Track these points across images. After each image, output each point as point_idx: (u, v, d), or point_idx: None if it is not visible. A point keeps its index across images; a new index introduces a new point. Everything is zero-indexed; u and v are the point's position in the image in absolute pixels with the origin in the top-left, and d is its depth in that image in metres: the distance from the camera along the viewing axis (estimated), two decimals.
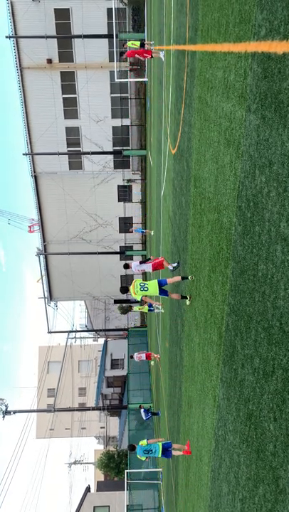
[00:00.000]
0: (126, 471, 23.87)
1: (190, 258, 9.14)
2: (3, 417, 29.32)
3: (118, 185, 36.36)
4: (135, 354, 23.84)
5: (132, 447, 11.04)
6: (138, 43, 19.51)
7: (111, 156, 34.94)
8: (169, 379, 15.09)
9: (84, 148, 34.79)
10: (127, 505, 23.11)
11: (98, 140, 34.72)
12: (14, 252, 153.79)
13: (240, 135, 4.95)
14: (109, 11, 30.19)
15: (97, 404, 43.86)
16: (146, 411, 21.69)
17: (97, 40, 31.31)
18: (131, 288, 10.33)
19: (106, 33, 31.04)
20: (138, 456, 10.85)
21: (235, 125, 5.20)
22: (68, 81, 33.11)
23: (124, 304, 42.77)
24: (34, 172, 35.16)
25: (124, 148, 34.14)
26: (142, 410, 21.57)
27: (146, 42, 20.74)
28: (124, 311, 43.48)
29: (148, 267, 12.00)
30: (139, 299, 10.53)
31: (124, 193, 36.76)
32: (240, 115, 4.93)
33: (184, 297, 9.64)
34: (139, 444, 10.84)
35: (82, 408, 43.60)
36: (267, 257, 4.13)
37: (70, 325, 47.30)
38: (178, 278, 9.86)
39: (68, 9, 31.21)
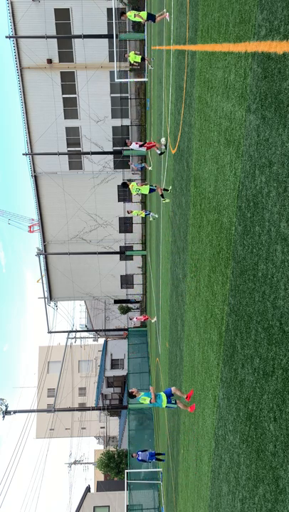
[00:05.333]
0: (126, 471, 23.86)
1: (190, 258, 9.14)
2: (3, 417, 29.30)
3: (118, 185, 36.35)
4: (134, 317, 26.99)
5: (133, 396, 10.11)
6: (144, 14, 19.16)
7: (111, 156, 34.95)
8: (169, 379, 15.09)
9: (84, 149, 34.79)
10: (127, 505, 23.09)
11: (98, 140, 34.72)
12: (14, 252, 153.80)
13: (241, 135, 4.95)
14: (109, 11, 30.19)
15: (97, 404, 43.84)
16: (142, 452, 18.60)
17: (97, 40, 31.31)
18: (130, 187, 17.13)
19: (106, 33, 31.04)
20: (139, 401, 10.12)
21: (235, 125, 5.20)
22: (68, 81, 33.10)
23: (124, 304, 42.76)
24: (34, 172, 35.16)
25: (124, 148, 34.13)
26: (139, 455, 18.59)
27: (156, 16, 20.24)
28: (124, 311, 43.45)
29: (143, 149, 17.35)
30: (135, 194, 17.66)
31: (124, 193, 36.76)
32: (241, 115, 4.93)
33: (165, 189, 14.52)
34: (140, 401, 9.98)
35: (82, 408, 43.59)
36: (267, 257, 4.13)
37: (70, 325, 47.27)
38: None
39: (68, 9, 31.21)
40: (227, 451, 5.78)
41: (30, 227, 45.38)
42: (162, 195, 15.36)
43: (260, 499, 4.32)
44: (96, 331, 46.72)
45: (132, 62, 21.98)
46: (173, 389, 9.79)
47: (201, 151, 7.51)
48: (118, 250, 37.96)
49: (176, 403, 9.73)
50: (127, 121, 34.31)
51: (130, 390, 10.13)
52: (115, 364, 48.78)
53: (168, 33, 13.80)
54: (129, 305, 43.22)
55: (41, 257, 37.92)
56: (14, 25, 30.99)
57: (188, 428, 10.00)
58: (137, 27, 31.48)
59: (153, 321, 24.04)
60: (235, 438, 5.34)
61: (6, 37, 31.01)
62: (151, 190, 16.73)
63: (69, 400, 50.50)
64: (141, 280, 39.98)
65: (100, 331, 45.91)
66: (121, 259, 38.70)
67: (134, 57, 21.72)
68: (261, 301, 4.28)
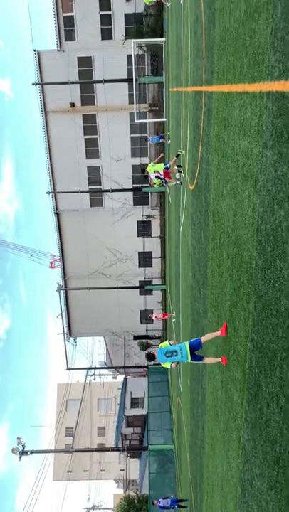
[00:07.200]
0: None
1: (210, 293, 9.05)
2: (20, 457, 28.57)
3: (137, 221, 36.89)
4: (154, 315, 26.54)
5: (151, 356, 8.63)
6: None
7: (130, 193, 35.71)
8: (191, 419, 14.57)
9: (104, 186, 35.71)
10: None
11: (118, 178, 35.66)
12: (35, 288, 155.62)
13: (258, 170, 5.02)
14: (129, 57, 31.80)
15: (117, 444, 42.45)
16: (163, 499, 18.29)
17: (117, 84, 32.84)
18: (147, 169, 17.33)
19: (126, 77, 32.58)
20: (162, 365, 8.41)
21: (252, 161, 5.28)
22: (90, 123, 34.54)
23: (143, 340, 42.19)
24: (57, 210, 36.12)
25: (144, 185, 34.90)
26: (161, 502, 18.15)
27: None
28: (144, 347, 42.80)
29: (161, 170, 16.97)
30: (152, 171, 17.07)
31: (143, 228, 37.20)
32: (257, 151, 5.01)
33: (179, 166, 15.44)
34: (159, 346, 8.42)
35: (101, 449, 42.25)
36: None
37: (89, 361, 46.72)
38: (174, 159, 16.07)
39: (90, 57, 33.06)
40: (254, 497, 5.46)
41: (51, 262, 46.02)
42: (180, 167, 15.56)
43: None
44: (115, 368, 45.99)
45: (148, 3, 19.78)
46: (203, 339, 8.14)
47: (219, 186, 7.60)
48: (138, 285, 37.95)
49: (202, 358, 8.20)
50: (146, 160, 35.23)
51: (151, 352, 8.72)
52: (135, 403, 47.54)
53: (185, 75, 14.39)
54: (150, 341, 42.59)
55: (61, 292, 38.21)
56: (40, 72, 32.94)
57: (212, 472, 9.52)
58: (155, 71, 32.96)
59: (173, 315, 23.35)
60: (262, 483, 5.06)
61: (33, 84, 32.89)
62: (164, 176, 16.81)
63: (87, 439, 49.13)
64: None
65: (120, 367, 45.16)
66: (140, 293, 38.59)
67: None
68: (285, 337, 4.17)
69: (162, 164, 17.04)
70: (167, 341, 8.48)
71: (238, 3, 5.86)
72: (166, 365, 8.35)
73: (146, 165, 18.96)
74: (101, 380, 50.40)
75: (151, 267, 38.17)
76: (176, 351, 8.12)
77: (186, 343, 8.19)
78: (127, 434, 46.12)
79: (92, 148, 35.07)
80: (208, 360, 8.17)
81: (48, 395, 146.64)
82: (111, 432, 49.83)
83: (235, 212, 6.35)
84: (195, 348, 8.14)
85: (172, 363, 8.29)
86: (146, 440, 33.58)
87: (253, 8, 5.10)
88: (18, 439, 28.52)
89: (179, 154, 15.45)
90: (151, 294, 38.69)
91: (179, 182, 16.39)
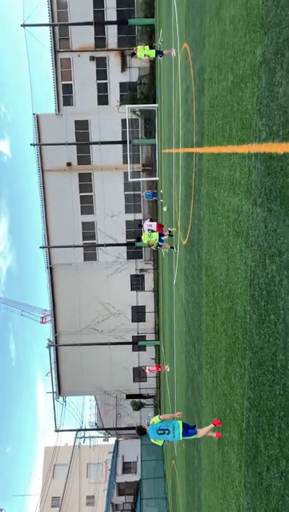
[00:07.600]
0: None
1: (205, 348, 8.88)
2: None
3: (131, 275, 36.98)
4: (147, 367, 26.34)
5: (142, 430, 8.27)
6: (152, 52, 17.90)
7: (124, 248, 36.15)
8: (187, 485, 13.67)
9: (99, 241, 36.20)
10: None
11: (112, 233, 36.28)
12: (25, 344, 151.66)
13: (249, 226, 5.15)
14: (124, 121, 33.69)
15: None
16: None
17: (112, 145, 34.47)
18: (142, 237, 17.74)
19: (120, 139, 34.26)
20: (152, 441, 8.21)
21: (243, 217, 5.44)
22: (85, 181, 35.74)
23: (136, 399, 40.53)
24: (50, 264, 36.23)
25: (138, 238, 35.46)
26: None
27: (155, 44, 18.79)
28: (137, 407, 41.01)
29: (154, 226, 18.19)
30: (146, 241, 17.54)
31: (136, 282, 37.21)
32: (247, 208, 5.18)
33: (172, 247, 17.18)
34: (151, 422, 8.17)
35: None
36: (285, 346, 4.01)
37: (78, 422, 44.45)
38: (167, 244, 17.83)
39: (87, 120, 34.95)
40: None
41: (42, 318, 45.34)
42: (172, 247, 17.28)
43: None
44: (106, 429, 43.71)
45: (141, 58, 18.20)
46: (200, 433, 7.93)
47: (211, 241, 7.75)
48: (130, 340, 37.19)
49: (195, 432, 7.99)
50: (139, 216, 36.10)
51: (142, 426, 8.37)
52: (127, 467, 44.63)
53: (177, 138, 15.19)
54: (143, 400, 40.92)
55: (51, 348, 37.22)
56: (38, 134, 34.57)
57: None
58: (148, 134, 34.77)
59: (167, 370, 22.84)
60: None
61: (31, 144, 34.36)
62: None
63: (75, 510, 45.43)
64: (155, 373, 38.42)
65: (111, 429, 42.93)
66: (133, 349, 37.71)
67: (142, 52, 17.71)
68: (283, 394, 4.06)
69: (157, 234, 18.13)
70: (157, 417, 8.34)
71: (226, 74, 6.35)
72: (159, 442, 8.29)
73: (142, 225, 20.05)
74: (91, 443, 47.66)
75: (144, 321, 37.68)
76: (168, 430, 8.06)
77: (180, 423, 8.14)
78: (118, 503, 42.75)
79: (87, 205, 35.99)
80: (203, 432, 7.98)
81: (34, 459, 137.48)
82: (101, 501, 46.26)
83: (227, 266, 6.43)
84: (188, 427, 8.11)
85: (165, 441, 8.25)
86: (138, 510, 31.15)
87: (240, 78, 5.53)
88: (0, 510, 26.30)
89: (171, 231, 17.58)
90: (145, 350, 37.82)
91: (170, 230, 17.44)
